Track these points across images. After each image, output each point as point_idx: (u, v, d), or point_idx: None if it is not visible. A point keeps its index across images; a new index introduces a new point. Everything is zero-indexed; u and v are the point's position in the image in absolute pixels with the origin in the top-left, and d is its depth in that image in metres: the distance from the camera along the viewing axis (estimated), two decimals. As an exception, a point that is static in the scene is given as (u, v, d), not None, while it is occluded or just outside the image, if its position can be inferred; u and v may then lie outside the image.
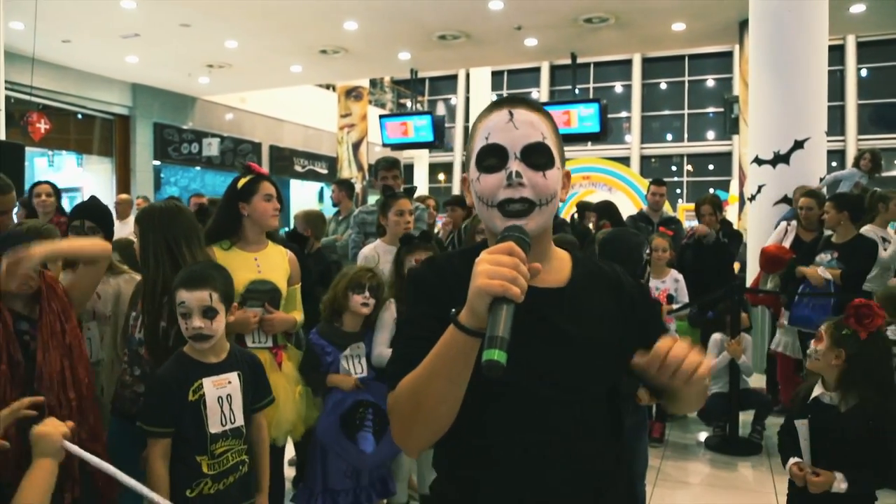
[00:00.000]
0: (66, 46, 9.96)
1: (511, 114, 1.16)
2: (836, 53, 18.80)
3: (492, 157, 1.15)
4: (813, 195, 5.21)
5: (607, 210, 6.20)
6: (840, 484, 2.24)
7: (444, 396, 1.03)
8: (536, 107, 1.19)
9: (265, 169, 3.13)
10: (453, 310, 1.00)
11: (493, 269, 0.94)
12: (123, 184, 12.89)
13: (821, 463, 2.32)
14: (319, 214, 5.21)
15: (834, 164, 15.48)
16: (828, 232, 4.84)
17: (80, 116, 12.60)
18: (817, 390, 2.43)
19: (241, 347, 2.43)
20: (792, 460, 2.41)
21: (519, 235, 1.03)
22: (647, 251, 2.91)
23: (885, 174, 11.02)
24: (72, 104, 12.01)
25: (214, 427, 2.07)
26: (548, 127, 1.18)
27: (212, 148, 13.92)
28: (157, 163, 13.67)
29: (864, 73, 20.20)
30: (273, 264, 2.87)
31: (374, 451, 2.88)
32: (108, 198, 10.22)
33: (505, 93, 23.67)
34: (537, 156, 1.14)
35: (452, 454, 1.18)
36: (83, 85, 11.78)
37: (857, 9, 8.28)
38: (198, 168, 14.88)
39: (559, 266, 1.23)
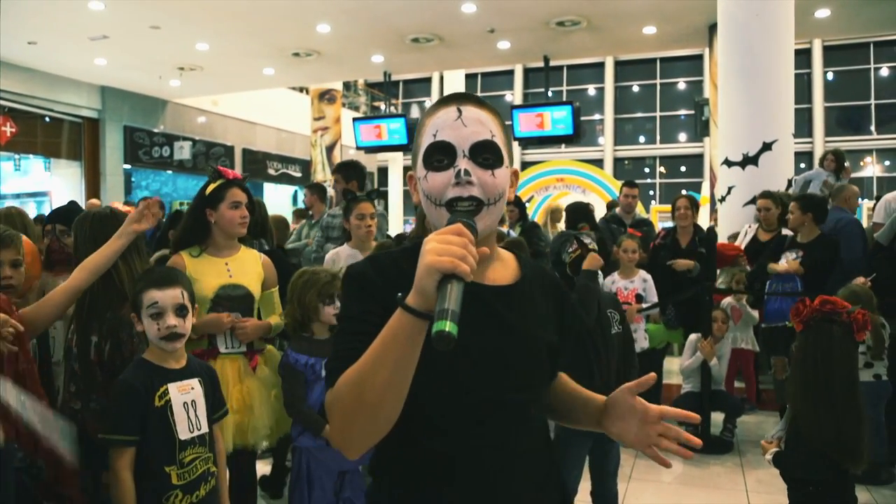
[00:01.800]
0: (32, 48, 9.78)
1: (460, 111, 1.14)
2: (803, 57, 19.17)
3: (440, 155, 1.13)
4: (769, 196, 5.32)
5: (583, 212, 6.23)
6: (768, 455, 2.52)
7: (390, 385, 0.98)
8: (485, 104, 1.17)
9: (238, 172, 3.07)
10: (399, 294, 0.97)
11: (443, 247, 0.93)
12: (93, 188, 12.68)
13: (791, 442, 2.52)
14: (282, 220, 5.40)
15: (802, 165, 15.75)
16: (786, 232, 4.95)
17: (47, 119, 12.36)
18: None
19: (195, 356, 2.31)
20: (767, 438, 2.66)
21: (466, 220, 1.02)
22: (571, 249, 2.99)
23: (851, 174, 11.22)
24: (39, 107, 11.79)
25: (183, 433, 2.01)
26: (496, 125, 1.17)
27: (183, 151, 13.75)
28: (128, 166, 13.48)
29: (830, 76, 20.60)
30: (245, 269, 2.81)
31: None
32: (78, 203, 10.03)
33: (478, 95, 23.72)
34: (486, 154, 1.13)
35: (402, 459, 1.12)
36: (50, 87, 11.56)
37: (822, 13, 8.45)
38: (169, 172, 14.70)
39: (505, 266, 1.23)
